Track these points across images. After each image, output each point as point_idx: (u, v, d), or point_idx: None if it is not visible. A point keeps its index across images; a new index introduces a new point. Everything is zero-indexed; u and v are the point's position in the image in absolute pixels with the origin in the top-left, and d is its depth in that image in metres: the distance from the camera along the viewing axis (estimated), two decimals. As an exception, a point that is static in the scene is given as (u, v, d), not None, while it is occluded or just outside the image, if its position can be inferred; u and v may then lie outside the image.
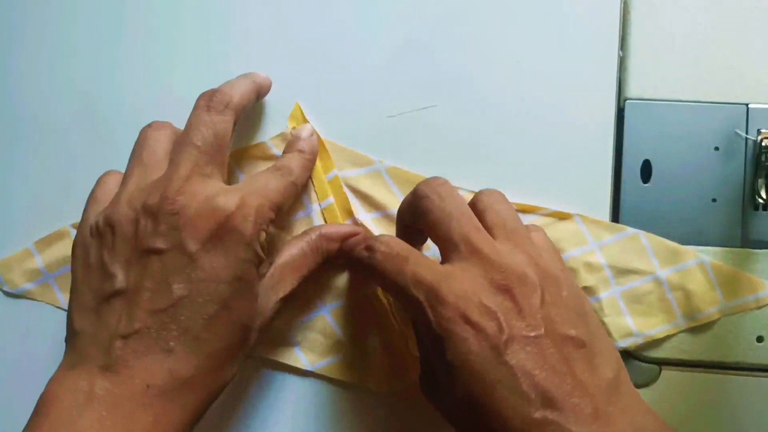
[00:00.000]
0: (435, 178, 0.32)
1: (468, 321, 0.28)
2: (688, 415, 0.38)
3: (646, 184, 0.38)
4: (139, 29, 0.40)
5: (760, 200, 0.37)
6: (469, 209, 0.32)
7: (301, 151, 0.37)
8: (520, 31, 0.39)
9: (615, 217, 0.39)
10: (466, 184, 0.38)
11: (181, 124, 0.39)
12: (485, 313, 0.28)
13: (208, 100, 0.34)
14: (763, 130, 0.37)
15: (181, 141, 0.33)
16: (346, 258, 0.36)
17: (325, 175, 0.38)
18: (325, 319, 0.38)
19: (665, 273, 0.37)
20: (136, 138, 0.35)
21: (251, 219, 0.32)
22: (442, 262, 0.31)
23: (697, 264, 0.37)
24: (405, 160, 0.39)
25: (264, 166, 0.39)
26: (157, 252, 0.31)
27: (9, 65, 0.41)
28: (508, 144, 0.39)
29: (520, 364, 0.28)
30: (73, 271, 0.33)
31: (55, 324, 0.40)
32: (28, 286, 0.40)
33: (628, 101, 0.39)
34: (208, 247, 0.31)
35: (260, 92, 0.37)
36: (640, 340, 0.37)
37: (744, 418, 0.38)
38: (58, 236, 0.39)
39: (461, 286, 0.29)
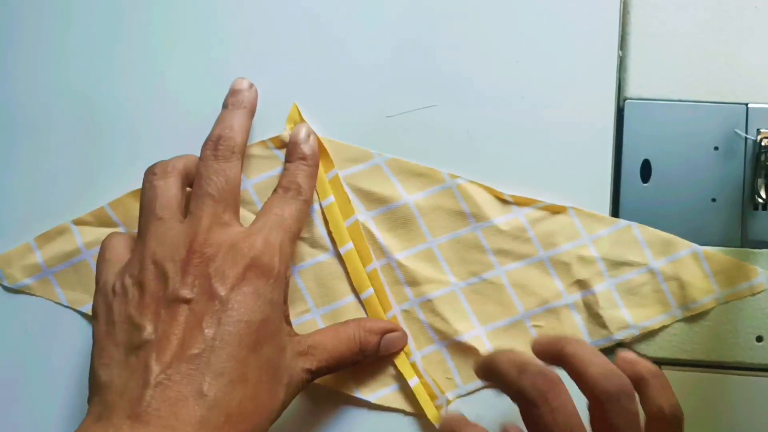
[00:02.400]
0: (545, 377, 0.29)
1: None
2: (687, 415, 0.37)
3: (645, 184, 0.38)
4: (137, 30, 0.40)
5: (760, 200, 0.37)
6: (579, 425, 0.28)
7: (303, 159, 0.37)
8: (520, 31, 0.39)
9: (615, 216, 0.38)
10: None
11: (179, 124, 0.39)
12: None
13: (214, 149, 0.34)
14: (762, 130, 0.37)
15: (196, 193, 0.34)
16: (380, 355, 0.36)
17: (326, 174, 0.38)
18: (316, 324, 0.38)
19: (659, 264, 0.37)
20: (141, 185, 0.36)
21: (276, 258, 0.32)
22: None
23: (690, 254, 0.37)
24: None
25: (263, 165, 0.39)
26: (186, 301, 0.31)
27: (7, 64, 0.41)
28: (507, 144, 0.39)
29: None
30: (95, 331, 0.33)
31: (54, 320, 0.40)
32: (27, 281, 0.40)
33: (627, 101, 0.39)
34: (237, 290, 0.31)
35: (254, 111, 0.38)
36: (636, 332, 0.37)
37: (743, 417, 0.37)
38: (58, 232, 0.39)
39: None
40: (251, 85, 0.38)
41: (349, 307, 0.38)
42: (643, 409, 0.30)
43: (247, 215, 0.38)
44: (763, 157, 0.37)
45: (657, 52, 0.39)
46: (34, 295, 0.40)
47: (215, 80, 0.39)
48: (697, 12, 0.39)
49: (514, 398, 0.30)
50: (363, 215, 0.38)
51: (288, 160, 0.37)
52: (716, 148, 0.38)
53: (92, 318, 0.33)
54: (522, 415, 0.29)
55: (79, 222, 0.39)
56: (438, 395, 0.37)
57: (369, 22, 0.39)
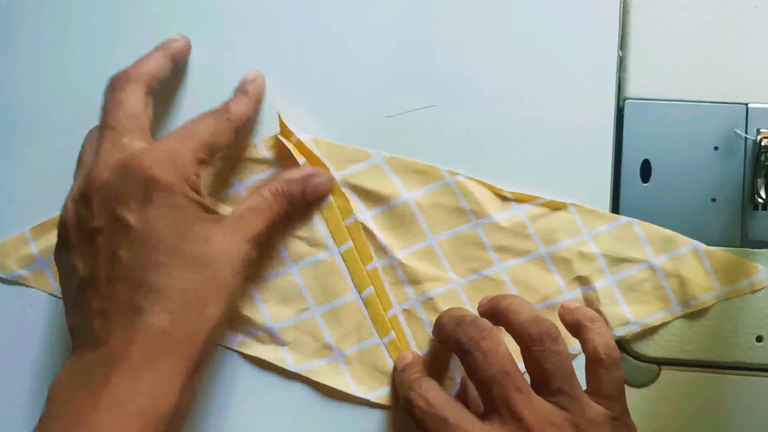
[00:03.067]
0: (477, 326, 0.32)
1: None
2: (687, 414, 0.38)
3: (645, 184, 0.38)
4: (136, 27, 0.40)
5: (760, 200, 0.37)
6: (513, 367, 0.32)
7: (243, 92, 0.37)
8: (520, 31, 0.39)
9: (614, 216, 0.39)
10: (465, 184, 0.38)
11: (179, 123, 0.39)
12: None
13: (113, 81, 0.35)
14: (762, 130, 0.37)
15: (99, 127, 0.35)
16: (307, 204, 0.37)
17: (344, 220, 0.38)
18: (316, 322, 0.38)
19: (659, 260, 0.37)
20: None
21: (171, 170, 0.32)
22: (484, 417, 0.32)
23: (691, 250, 0.37)
24: (404, 160, 0.39)
25: (254, 168, 0.39)
26: (99, 230, 0.32)
27: (8, 63, 0.41)
28: (507, 143, 0.39)
29: None
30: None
31: (51, 311, 0.40)
32: (22, 272, 0.40)
33: (627, 101, 0.39)
34: (139, 207, 0.32)
35: (175, 57, 0.38)
36: (637, 329, 0.37)
37: (743, 417, 0.37)
38: (53, 224, 0.39)
39: None
40: (184, 40, 0.39)
41: (349, 305, 0.38)
42: (584, 351, 0.33)
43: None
44: (762, 157, 0.37)
45: (657, 52, 0.39)
46: (29, 286, 0.40)
47: (216, 80, 0.39)
48: (697, 12, 0.39)
49: (453, 350, 0.33)
50: (363, 214, 0.38)
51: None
52: (716, 148, 0.38)
53: None
54: (462, 364, 0.33)
55: None
56: None
57: (369, 22, 0.39)
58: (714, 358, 0.38)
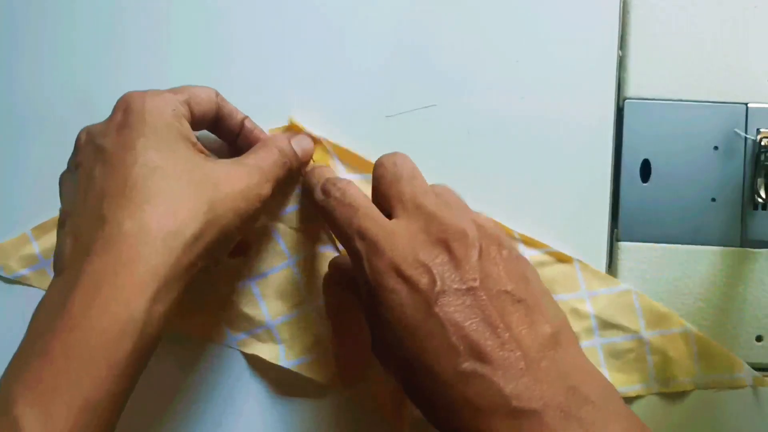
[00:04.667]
0: (394, 152, 0.33)
1: (401, 274, 0.29)
2: (687, 414, 0.38)
3: (645, 184, 0.38)
4: (139, 26, 0.40)
5: (760, 200, 0.37)
6: (421, 174, 0.33)
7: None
8: (520, 31, 0.39)
9: (614, 216, 0.39)
10: (465, 184, 0.38)
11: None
12: (419, 267, 0.29)
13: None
14: (762, 130, 0.37)
15: None
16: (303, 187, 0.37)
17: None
18: (309, 317, 0.38)
19: (649, 335, 0.37)
20: None
21: (151, 95, 0.32)
22: (391, 218, 0.31)
23: (682, 332, 0.37)
24: (404, 160, 0.39)
25: None
26: (77, 165, 0.32)
27: (10, 62, 0.41)
28: (507, 143, 0.39)
29: (449, 316, 0.28)
30: None
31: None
32: (24, 271, 0.40)
33: (627, 101, 0.39)
34: (116, 131, 0.32)
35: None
36: None
37: (743, 417, 0.37)
38: (54, 223, 0.39)
39: (400, 241, 0.29)
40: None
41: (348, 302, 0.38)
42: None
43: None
44: (762, 157, 0.37)
45: (657, 52, 0.39)
46: (30, 285, 0.40)
47: (216, 79, 0.39)
48: (697, 12, 0.39)
49: (373, 170, 0.33)
50: None
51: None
52: (716, 148, 0.38)
53: None
54: (374, 179, 0.33)
55: None
56: None
57: (369, 22, 0.39)
58: (714, 357, 0.38)
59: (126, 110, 0.32)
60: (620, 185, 0.39)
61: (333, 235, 0.38)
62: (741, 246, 0.38)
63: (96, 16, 0.40)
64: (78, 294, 0.28)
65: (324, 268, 0.38)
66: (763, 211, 0.38)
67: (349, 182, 0.33)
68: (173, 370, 0.40)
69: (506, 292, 0.29)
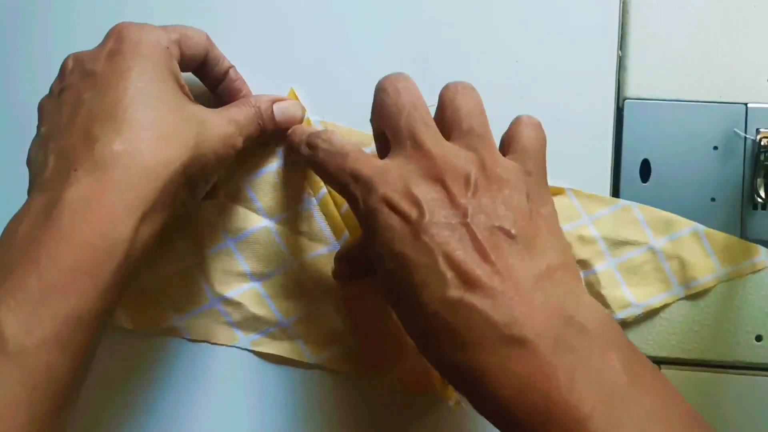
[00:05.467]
0: (397, 73, 0.31)
1: (392, 207, 0.28)
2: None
3: (645, 184, 0.38)
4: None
5: (759, 199, 0.37)
6: (424, 105, 0.31)
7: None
8: (520, 31, 0.39)
9: (614, 216, 0.39)
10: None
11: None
12: (410, 200, 0.28)
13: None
14: (762, 130, 0.37)
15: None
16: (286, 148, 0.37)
17: (339, 209, 0.38)
18: (324, 310, 0.38)
19: (659, 243, 0.37)
20: None
21: (148, 29, 0.32)
22: (388, 156, 0.31)
23: (691, 232, 0.37)
24: (405, 159, 0.39)
25: (259, 160, 0.39)
26: (67, 87, 0.32)
27: (11, 61, 0.41)
28: (507, 143, 0.39)
29: (437, 244, 0.27)
30: None
31: None
32: None
33: (627, 101, 0.39)
34: (107, 57, 0.31)
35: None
36: (639, 311, 0.37)
37: (743, 417, 0.38)
38: None
39: (393, 177, 0.29)
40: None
41: (356, 292, 0.38)
42: (507, 133, 0.32)
43: (242, 212, 0.38)
44: (762, 157, 0.37)
45: (656, 52, 0.39)
46: None
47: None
48: (697, 12, 0.39)
49: (374, 95, 0.32)
50: None
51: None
52: (716, 148, 0.38)
53: None
54: (375, 107, 0.32)
55: None
56: None
57: (369, 22, 0.39)
58: (714, 357, 0.38)
59: (119, 38, 0.32)
60: (620, 185, 0.39)
61: (333, 234, 0.38)
62: (741, 246, 0.38)
63: (96, 15, 0.41)
64: (66, 208, 0.28)
65: (328, 266, 0.38)
66: (763, 211, 0.38)
67: (333, 132, 0.32)
68: (177, 372, 0.40)
69: (500, 228, 0.27)
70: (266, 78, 0.39)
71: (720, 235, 0.37)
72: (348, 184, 0.30)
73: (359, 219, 0.30)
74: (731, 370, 0.38)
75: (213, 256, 0.39)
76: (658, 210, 0.38)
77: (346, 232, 0.38)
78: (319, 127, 0.38)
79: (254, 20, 0.40)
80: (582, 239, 0.37)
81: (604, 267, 0.37)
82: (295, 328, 0.38)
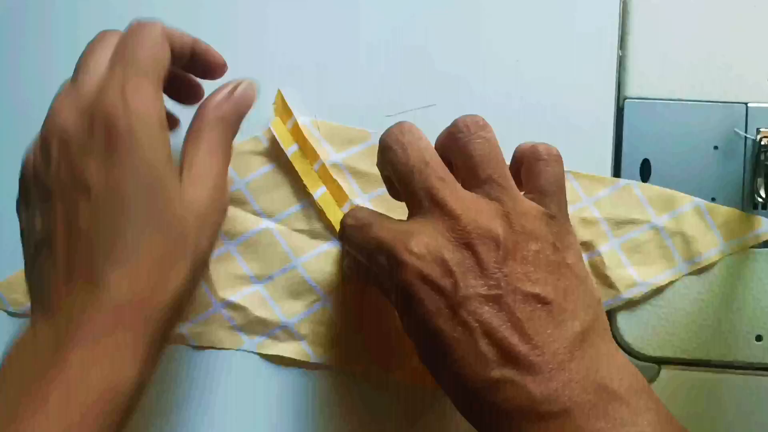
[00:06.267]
0: (398, 125, 0.31)
1: (425, 280, 0.28)
2: (687, 414, 0.38)
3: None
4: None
5: (759, 199, 0.37)
6: (435, 156, 0.30)
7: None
8: (520, 31, 0.39)
9: (614, 216, 0.39)
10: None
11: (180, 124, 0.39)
12: (442, 270, 0.27)
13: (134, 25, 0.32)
14: (762, 129, 0.37)
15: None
16: None
17: (313, 166, 0.38)
18: (326, 310, 0.38)
19: (662, 220, 0.37)
20: None
21: (132, 117, 0.28)
22: (408, 218, 0.30)
23: (693, 208, 0.37)
24: (405, 159, 0.39)
25: (255, 162, 0.39)
26: (56, 189, 0.29)
27: (11, 62, 0.41)
28: (507, 143, 0.38)
29: (477, 322, 0.27)
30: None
31: None
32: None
33: (627, 100, 0.39)
34: (102, 164, 0.28)
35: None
36: (645, 290, 0.37)
37: (743, 416, 0.37)
38: None
39: (419, 242, 0.28)
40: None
41: (357, 289, 0.38)
42: (521, 159, 0.32)
43: (240, 215, 0.38)
44: (762, 157, 0.37)
45: (657, 51, 0.39)
46: None
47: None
48: (697, 12, 0.39)
49: (379, 156, 0.31)
50: (360, 198, 0.38)
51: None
52: (716, 148, 0.38)
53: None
54: (383, 165, 0.31)
55: None
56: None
57: (368, 22, 0.39)
58: (714, 357, 0.38)
59: (110, 129, 0.28)
60: (620, 185, 0.39)
61: (334, 229, 0.38)
62: (741, 246, 0.38)
63: (96, 14, 0.41)
64: (76, 348, 0.27)
65: (331, 264, 0.38)
66: (763, 211, 0.38)
67: (361, 206, 0.33)
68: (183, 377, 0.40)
69: (534, 295, 0.28)
70: (259, 73, 0.38)
71: (722, 209, 0.37)
72: (374, 253, 0.30)
73: (389, 291, 0.30)
74: (731, 370, 0.38)
75: (214, 261, 0.39)
76: (658, 187, 0.38)
77: (323, 187, 0.38)
78: (310, 127, 0.38)
79: (247, 13, 0.40)
80: (584, 221, 0.37)
81: (607, 248, 0.37)
82: (299, 328, 0.38)
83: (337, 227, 0.38)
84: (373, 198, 0.38)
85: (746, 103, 0.38)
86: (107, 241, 0.28)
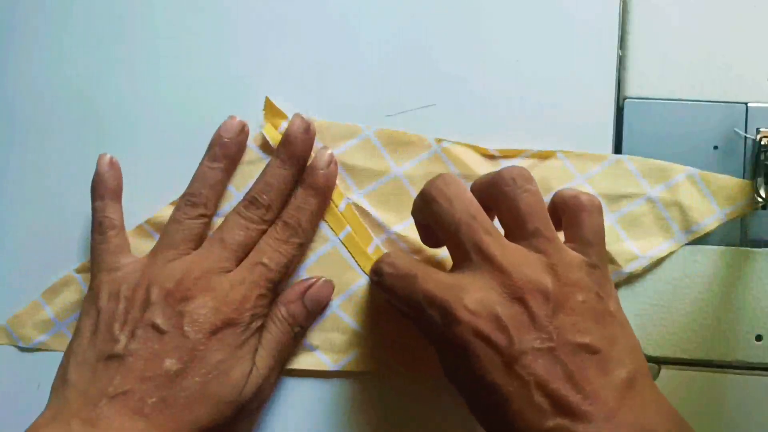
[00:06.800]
0: (442, 177, 0.32)
1: (480, 335, 0.29)
2: (687, 414, 0.37)
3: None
4: (137, 28, 0.40)
5: (759, 199, 0.37)
6: (480, 210, 0.31)
7: (314, 188, 0.37)
8: (519, 30, 0.39)
9: (614, 215, 0.39)
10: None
11: (180, 124, 0.39)
12: (497, 326, 0.29)
13: (247, 207, 0.36)
14: (762, 129, 0.37)
15: (215, 237, 0.36)
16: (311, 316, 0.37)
17: (338, 206, 0.38)
18: (336, 316, 0.38)
19: (656, 192, 0.37)
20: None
21: (249, 312, 0.34)
22: (453, 269, 0.31)
23: (686, 177, 0.37)
24: (404, 159, 0.39)
25: (250, 171, 0.38)
26: (160, 331, 0.33)
27: (7, 64, 0.41)
28: (507, 143, 0.39)
29: (531, 376, 0.28)
30: (80, 325, 0.35)
31: None
32: (42, 338, 0.39)
33: (627, 100, 0.39)
34: (207, 338, 0.33)
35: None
36: (645, 263, 0.37)
37: (743, 416, 0.37)
38: (64, 284, 0.39)
39: (473, 298, 0.29)
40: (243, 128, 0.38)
41: (362, 290, 0.38)
42: (564, 207, 0.32)
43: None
44: (762, 157, 0.37)
45: (657, 51, 0.39)
46: (51, 350, 0.39)
47: (215, 78, 0.39)
48: (697, 12, 0.39)
49: (420, 208, 0.32)
50: (356, 195, 0.38)
51: (300, 181, 0.37)
52: (716, 148, 0.38)
53: (82, 310, 0.35)
54: (428, 217, 0.32)
55: (81, 270, 0.39)
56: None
57: (368, 22, 0.39)
58: (713, 357, 0.38)
59: (229, 324, 0.34)
60: (620, 185, 0.39)
61: (333, 230, 0.38)
62: (741, 246, 0.38)
63: (95, 14, 0.41)
64: None
65: (333, 263, 0.38)
66: (763, 211, 0.38)
67: (396, 253, 0.33)
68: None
69: (584, 345, 0.29)
70: (259, 73, 0.39)
71: (715, 176, 0.37)
72: (423, 307, 0.30)
73: (436, 341, 0.31)
74: (731, 370, 0.38)
75: None
76: (650, 159, 0.38)
77: (347, 228, 0.38)
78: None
79: (247, 12, 0.40)
80: None
81: (605, 223, 0.37)
82: (311, 339, 0.38)
83: (335, 224, 0.38)
84: (367, 193, 0.38)
85: (746, 103, 0.38)
86: (176, 390, 0.32)
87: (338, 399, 0.38)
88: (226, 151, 0.37)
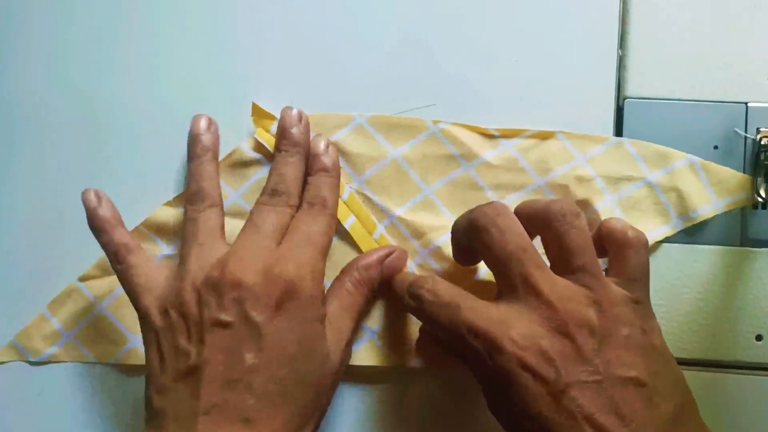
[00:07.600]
0: (492, 206, 0.32)
1: (527, 368, 0.29)
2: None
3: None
4: (137, 28, 0.40)
5: (759, 199, 0.37)
6: (530, 244, 0.31)
7: (325, 170, 0.37)
8: (519, 30, 0.39)
9: (614, 215, 0.39)
10: (465, 183, 0.38)
11: (177, 125, 0.39)
12: (543, 359, 0.29)
13: (271, 197, 0.36)
14: (762, 129, 0.37)
15: (246, 227, 0.35)
16: (390, 286, 0.37)
17: (341, 196, 0.38)
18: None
19: (656, 176, 0.37)
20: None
21: (309, 280, 0.33)
22: (498, 298, 0.31)
23: (687, 164, 0.37)
24: (404, 159, 0.39)
25: (245, 173, 0.38)
26: (224, 325, 0.32)
27: (7, 64, 0.41)
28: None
29: (579, 408, 0.28)
30: (147, 358, 0.34)
31: (70, 382, 0.39)
32: (52, 350, 0.39)
33: (627, 100, 0.39)
34: (273, 315, 0.32)
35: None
36: None
37: (743, 416, 0.37)
38: (67, 294, 0.39)
39: (519, 332, 0.29)
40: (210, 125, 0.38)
41: None
42: (610, 241, 0.33)
43: (239, 225, 0.38)
44: (762, 157, 0.37)
45: (657, 51, 0.39)
46: (62, 362, 0.39)
47: (215, 76, 0.39)
48: (697, 12, 0.39)
49: (468, 235, 0.32)
50: (356, 182, 0.38)
51: (309, 172, 0.37)
52: (716, 148, 0.38)
53: (144, 344, 0.34)
54: (478, 246, 0.32)
55: (84, 278, 0.39)
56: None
57: (368, 21, 0.39)
58: (713, 356, 0.38)
59: (287, 292, 0.33)
60: (620, 185, 0.39)
61: (339, 220, 0.38)
62: (741, 245, 0.38)
63: (94, 14, 0.41)
64: None
65: (340, 255, 0.38)
66: (764, 211, 0.38)
67: (434, 278, 0.33)
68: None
69: (631, 378, 0.29)
70: (258, 72, 0.39)
71: (717, 167, 0.37)
72: (465, 337, 0.30)
73: (481, 370, 0.31)
74: (731, 370, 0.38)
75: None
76: (651, 144, 0.38)
77: (352, 217, 0.38)
78: None
79: (247, 12, 0.40)
80: (579, 179, 0.37)
81: (604, 205, 0.37)
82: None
83: (341, 214, 0.38)
84: (367, 179, 0.38)
85: (746, 103, 0.38)
86: (265, 378, 0.31)
87: (346, 401, 0.38)
88: (205, 144, 0.37)
